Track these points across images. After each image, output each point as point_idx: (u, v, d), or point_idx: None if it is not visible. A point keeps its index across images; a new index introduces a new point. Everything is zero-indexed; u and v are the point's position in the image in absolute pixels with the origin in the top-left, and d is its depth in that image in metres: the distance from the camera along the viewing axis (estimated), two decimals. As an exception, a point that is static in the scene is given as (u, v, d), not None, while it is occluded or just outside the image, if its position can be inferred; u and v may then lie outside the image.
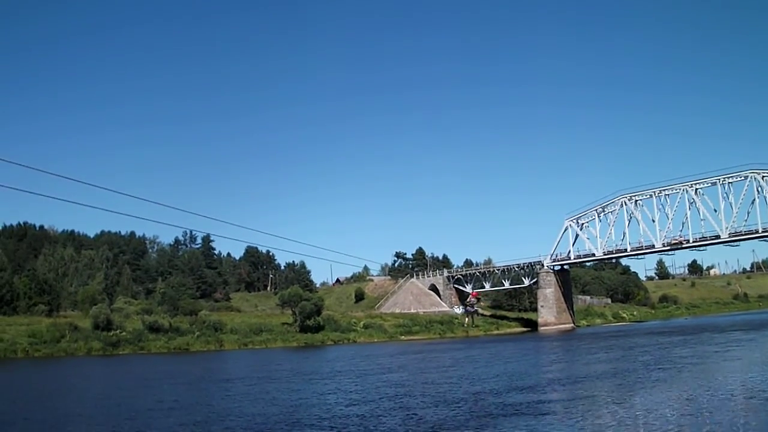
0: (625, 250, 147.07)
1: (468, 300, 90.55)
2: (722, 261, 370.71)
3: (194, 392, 51.12)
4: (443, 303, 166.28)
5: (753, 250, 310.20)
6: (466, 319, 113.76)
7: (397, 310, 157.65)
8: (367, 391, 46.14)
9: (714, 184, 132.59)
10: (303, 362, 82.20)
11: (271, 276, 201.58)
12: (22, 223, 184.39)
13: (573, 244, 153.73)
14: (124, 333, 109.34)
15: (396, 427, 31.46)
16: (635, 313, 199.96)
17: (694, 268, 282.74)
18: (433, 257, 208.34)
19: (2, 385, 63.51)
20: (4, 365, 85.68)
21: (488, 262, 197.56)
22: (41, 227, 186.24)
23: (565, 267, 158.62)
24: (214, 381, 60.49)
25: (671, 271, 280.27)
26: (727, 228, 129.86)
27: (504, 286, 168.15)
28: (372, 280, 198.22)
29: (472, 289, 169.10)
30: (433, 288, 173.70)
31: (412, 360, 78.71)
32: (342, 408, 38.22)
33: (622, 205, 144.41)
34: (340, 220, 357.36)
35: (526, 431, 29.65)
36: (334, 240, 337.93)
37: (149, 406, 42.19)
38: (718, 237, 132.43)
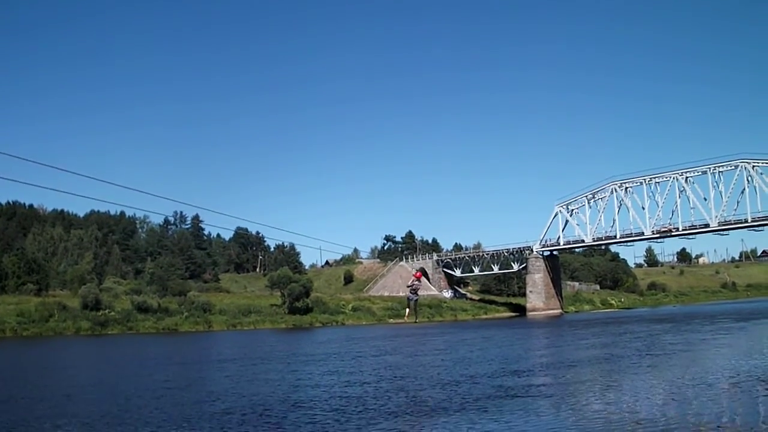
0: (615, 237, 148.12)
1: (411, 283, 39.90)
2: (711, 250, 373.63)
3: (188, 373, 51.15)
4: (432, 287, 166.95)
5: (742, 240, 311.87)
6: (406, 310, 44.50)
7: (386, 293, 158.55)
8: (363, 373, 46.28)
9: (704, 172, 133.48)
10: (295, 344, 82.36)
11: (260, 257, 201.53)
12: (11, 201, 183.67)
13: (563, 230, 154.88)
14: (112, 313, 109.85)
15: (395, 409, 31.64)
16: (623, 299, 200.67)
17: (683, 256, 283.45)
18: (422, 241, 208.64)
19: None
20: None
21: (477, 246, 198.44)
22: (30, 206, 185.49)
23: (555, 253, 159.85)
24: (207, 361, 60.82)
25: (660, 258, 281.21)
26: (716, 217, 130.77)
27: (493, 270, 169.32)
28: (361, 263, 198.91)
29: (461, 272, 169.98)
30: (422, 271, 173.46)
31: (406, 343, 78.82)
32: (340, 389, 38.34)
33: (612, 191, 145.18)
34: (331, 202, 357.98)
35: (522, 413, 29.80)
36: (324, 222, 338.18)
37: (144, 386, 42.20)
38: (707, 226, 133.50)
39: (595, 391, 36.31)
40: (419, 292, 36.23)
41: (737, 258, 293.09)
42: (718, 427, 25.72)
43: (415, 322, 40.68)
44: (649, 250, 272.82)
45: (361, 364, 54.12)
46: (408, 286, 34.84)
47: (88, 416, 31.68)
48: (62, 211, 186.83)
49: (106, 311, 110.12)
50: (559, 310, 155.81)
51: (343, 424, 28.41)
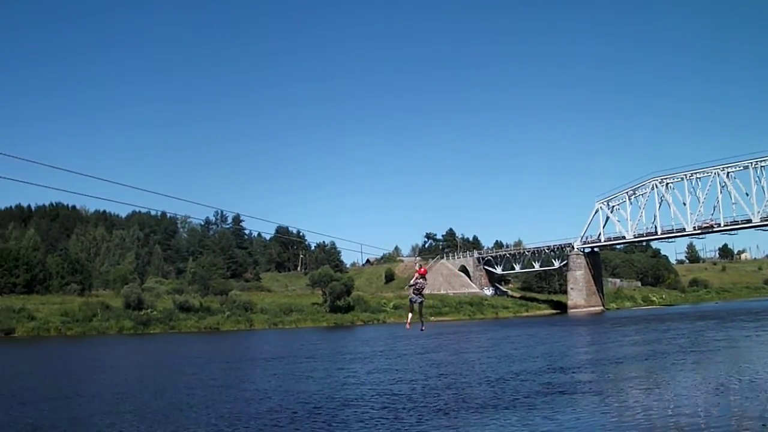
0: (656, 233, 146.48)
1: (414, 282, 26.18)
2: (753, 245, 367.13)
3: (234, 371, 51.65)
4: (473, 284, 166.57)
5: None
6: (409, 315, 28.15)
7: (427, 291, 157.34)
8: (410, 371, 46.73)
9: (746, 167, 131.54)
10: (338, 342, 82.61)
11: (301, 256, 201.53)
12: (54, 203, 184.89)
13: (603, 227, 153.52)
14: (154, 312, 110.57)
15: (445, 406, 31.97)
16: (665, 296, 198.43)
17: (725, 252, 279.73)
18: (463, 238, 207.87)
19: (41, 363, 64.25)
20: (38, 343, 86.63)
21: (518, 243, 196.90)
22: (73, 207, 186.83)
23: (596, 249, 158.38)
24: (252, 360, 61.32)
25: (702, 254, 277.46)
26: (758, 212, 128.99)
27: (534, 267, 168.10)
28: (402, 261, 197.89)
29: (502, 270, 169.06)
30: (463, 269, 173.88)
31: (449, 340, 79.03)
32: (388, 387, 38.73)
33: (653, 187, 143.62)
34: (372, 200, 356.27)
35: (571, 410, 30.11)
36: (365, 220, 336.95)
37: (192, 384, 42.80)
38: (749, 221, 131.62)
39: (641, 387, 36.45)
40: (425, 292, 27.71)
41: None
42: (763, 425, 25.58)
43: (422, 329, 26.78)
44: (691, 246, 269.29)
45: (407, 361, 54.47)
46: (410, 285, 27.47)
47: (142, 414, 32.16)
48: (104, 212, 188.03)
49: (149, 311, 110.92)
50: (601, 307, 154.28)
51: (393, 422, 28.63)
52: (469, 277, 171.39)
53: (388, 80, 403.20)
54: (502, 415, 29.63)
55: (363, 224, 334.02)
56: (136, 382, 45.31)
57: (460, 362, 53.25)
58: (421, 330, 28.59)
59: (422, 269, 27.19)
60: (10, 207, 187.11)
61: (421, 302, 26.61)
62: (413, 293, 26.71)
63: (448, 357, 58.18)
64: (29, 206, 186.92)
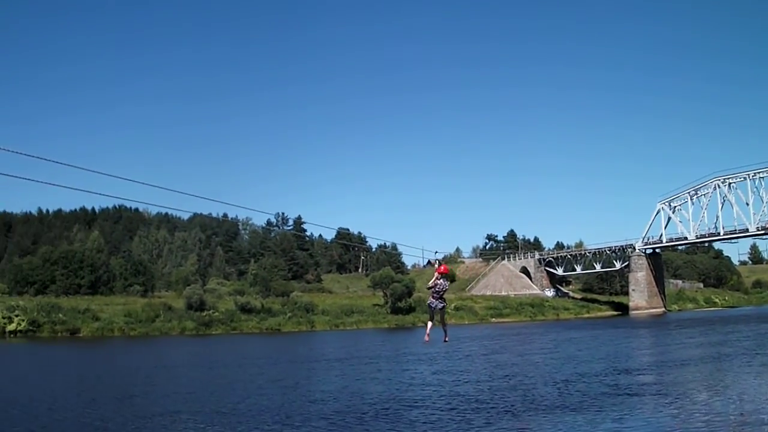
0: (718, 234, 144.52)
1: (432, 283, 22.48)
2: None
3: (298, 372, 51.78)
4: (534, 285, 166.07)
5: None
6: (428, 325, 23.41)
7: (488, 293, 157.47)
8: (475, 372, 46.93)
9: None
10: (400, 343, 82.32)
11: (362, 258, 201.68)
12: (117, 206, 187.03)
13: (665, 228, 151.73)
14: (216, 313, 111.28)
15: (511, 407, 31.98)
16: (727, 298, 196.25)
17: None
18: (524, 239, 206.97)
19: (107, 363, 65.14)
20: (101, 343, 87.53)
21: (579, 244, 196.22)
22: (136, 210, 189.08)
23: (657, 250, 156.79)
24: (315, 361, 61.49)
25: (765, 255, 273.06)
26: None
27: (595, 269, 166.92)
28: (463, 262, 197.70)
29: (563, 271, 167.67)
30: (524, 270, 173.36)
31: (512, 342, 78.94)
32: (454, 387, 38.90)
33: (715, 187, 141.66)
34: (433, 201, 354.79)
35: (638, 412, 29.83)
36: (426, 221, 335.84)
37: (257, 385, 43.09)
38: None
39: (707, 390, 36.51)
40: (444, 298, 22.00)
41: None
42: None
43: (445, 340, 24.66)
44: (754, 247, 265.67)
45: (471, 362, 54.42)
46: (429, 288, 22.03)
47: (210, 413, 32.42)
48: (166, 214, 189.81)
49: (210, 312, 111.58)
50: (662, 309, 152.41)
51: (460, 424, 28.56)
52: (530, 278, 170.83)
53: (452, 76, 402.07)
54: (571, 417, 29.54)
55: (424, 225, 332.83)
56: (202, 382, 45.67)
57: (525, 363, 53.12)
58: (444, 341, 23.81)
59: (442, 267, 22.28)
60: (75, 210, 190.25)
61: (442, 308, 21.90)
62: (432, 296, 21.92)
63: (512, 358, 58.06)
64: (93, 209, 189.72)
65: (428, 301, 22.31)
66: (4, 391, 41.50)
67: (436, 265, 23.11)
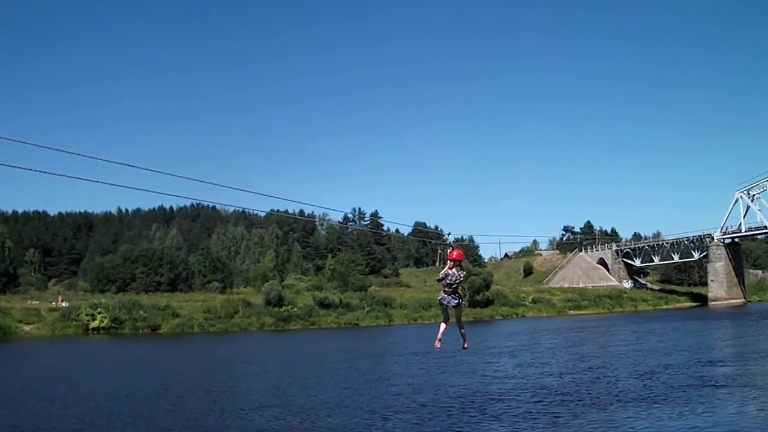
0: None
1: (443, 275, 17.35)
2: None
3: (382, 365, 51.84)
4: (612, 277, 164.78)
5: None
6: (441, 327, 17.92)
7: (566, 285, 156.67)
8: (558, 364, 47.39)
9: None
10: (480, 336, 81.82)
11: (439, 251, 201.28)
12: (195, 204, 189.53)
13: (744, 217, 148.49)
14: (295, 309, 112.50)
15: (597, 400, 32.05)
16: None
17: None
18: (601, 231, 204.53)
19: (189, 358, 66.77)
20: (182, 340, 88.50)
21: (657, 235, 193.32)
22: (213, 207, 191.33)
23: (736, 240, 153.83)
24: (396, 354, 61.55)
25: None
26: None
27: (673, 259, 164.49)
28: (540, 255, 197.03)
29: (637, 260, 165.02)
30: (602, 262, 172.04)
31: (593, 334, 78.81)
32: (537, 380, 38.74)
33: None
34: (509, 193, 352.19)
35: (728, 404, 29.54)
36: (503, 213, 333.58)
37: (343, 378, 43.47)
38: None
39: None
40: (459, 292, 17.56)
41: None
42: None
43: (465, 347, 19.53)
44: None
45: (554, 355, 54.33)
46: (439, 280, 17.36)
47: (298, 406, 32.67)
48: (243, 211, 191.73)
49: (289, 307, 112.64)
50: (742, 300, 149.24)
51: (545, 416, 28.65)
52: (608, 269, 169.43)
53: (541, 65, 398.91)
54: (657, 409, 29.15)
55: (501, 217, 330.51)
56: (284, 377, 45.94)
57: (607, 355, 53.08)
58: (464, 348, 19.30)
59: (455, 252, 17.43)
60: (153, 208, 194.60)
61: (456, 305, 17.38)
62: (443, 291, 17.33)
63: (593, 350, 58.25)
64: (171, 207, 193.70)
65: (438, 297, 17.71)
66: (97, 386, 42.17)
67: (448, 251, 17.93)
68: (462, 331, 17.99)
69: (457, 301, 17.15)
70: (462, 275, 17.20)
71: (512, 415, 28.33)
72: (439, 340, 17.76)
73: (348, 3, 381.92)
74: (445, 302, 17.21)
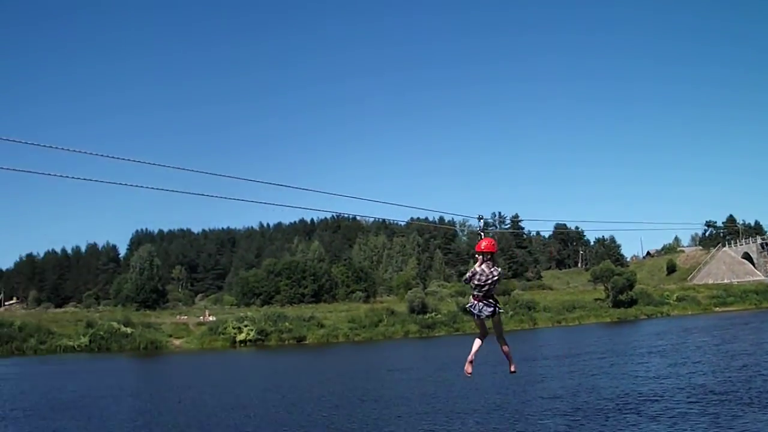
0: None
1: (469, 274, 12.38)
2: None
3: (531, 368, 51.46)
4: (758, 271, 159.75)
5: None
6: (474, 344, 12.97)
7: (710, 281, 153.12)
8: (709, 363, 46.56)
9: None
10: (627, 337, 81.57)
11: (581, 252, 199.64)
12: (335, 216, 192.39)
13: None
14: (439, 315, 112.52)
15: (755, 399, 32.00)
16: None
17: None
18: (744, 224, 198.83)
19: (337, 368, 67.14)
20: (328, 350, 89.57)
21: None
22: (354, 218, 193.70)
23: None
24: (545, 358, 61.27)
25: None
26: None
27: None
28: (683, 251, 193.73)
29: None
30: (746, 256, 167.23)
31: (743, 331, 77.02)
32: (691, 380, 38.58)
33: None
34: (649, 190, 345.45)
35: None
36: (643, 211, 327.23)
37: (498, 382, 43.42)
38: None
39: None
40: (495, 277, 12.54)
41: None
42: None
43: (512, 371, 13.51)
44: None
45: (704, 354, 53.85)
46: (467, 281, 12.62)
47: (450, 412, 33.14)
48: (383, 221, 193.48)
49: (433, 314, 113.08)
50: None
51: (704, 417, 28.93)
52: (753, 264, 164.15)
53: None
54: None
55: (641, 215, 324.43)
56: (437, 384, 46.18)
57: (761, 353, 51.93)
58: (511, 372, 13.81)
59: (485, 242, 12.77)
60: (294, 222, 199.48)
61: (492, 314, 12.70)
62: (473, 296, 12.73)
63: (745, 347, 57.27)
64: (312, 220, 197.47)
65: (467, 305, 13.15)
66: (251, 396, 43.79)
67: (483, 236, 13.33)
68: (505, 348, 13.39)
69: (492, 308, 12.63)
70: (496, 273, 12.57)
71: (670, 417, 28.43)
72: (470, 362, 13.29)
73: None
74: (476, 311, 12.76)
